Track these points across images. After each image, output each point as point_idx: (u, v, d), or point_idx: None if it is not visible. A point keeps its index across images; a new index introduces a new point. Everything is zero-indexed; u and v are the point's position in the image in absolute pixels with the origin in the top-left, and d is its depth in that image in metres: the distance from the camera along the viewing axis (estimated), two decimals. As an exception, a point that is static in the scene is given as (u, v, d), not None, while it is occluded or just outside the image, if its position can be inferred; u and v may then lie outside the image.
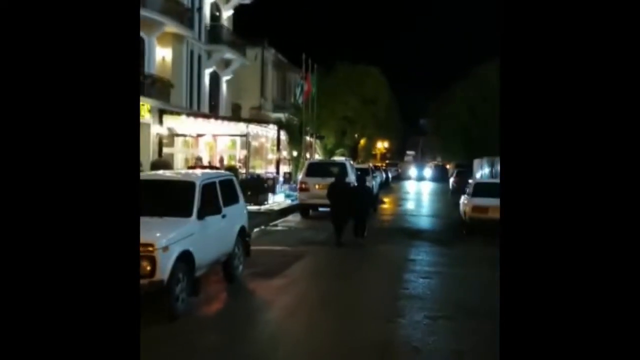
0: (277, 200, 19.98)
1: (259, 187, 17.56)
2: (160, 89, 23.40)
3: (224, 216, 7.62)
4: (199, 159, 25.09)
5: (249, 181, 17.51)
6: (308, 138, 29.95)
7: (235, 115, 29.37)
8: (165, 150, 24.25)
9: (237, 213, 8.50)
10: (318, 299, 7.60)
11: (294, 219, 17.20)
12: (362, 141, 49.96)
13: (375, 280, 8.95)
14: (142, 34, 22.25)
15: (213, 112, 27.96)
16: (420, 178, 51.96)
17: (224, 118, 24.70)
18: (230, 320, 6.50)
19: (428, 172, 53.97)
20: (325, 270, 9.82)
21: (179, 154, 25.36)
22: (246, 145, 22.96)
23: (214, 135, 24.28)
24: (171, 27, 23.71)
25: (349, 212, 12.29)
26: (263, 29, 44.06)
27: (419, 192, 34.90)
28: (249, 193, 17.32)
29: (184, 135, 24.83)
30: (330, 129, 38.56)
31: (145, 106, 21.92)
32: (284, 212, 17.91)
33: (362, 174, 18.92)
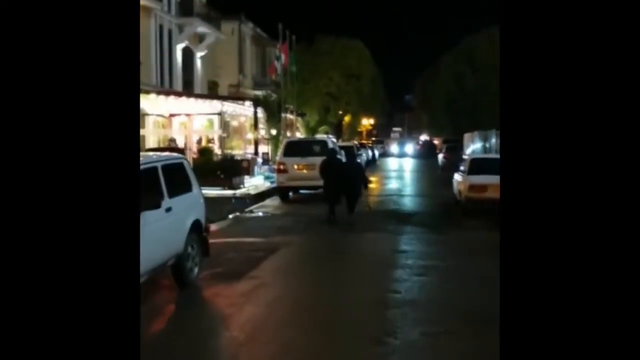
0: (256, 182, 18.46)
1: (233, 170, 15.99)
2: (126, 65, 21.58)
3: (168, 210, 6.10)
4: (172, 140, 23.43)
5: (221, 163, 15.91)
6: (289, 116, 28.34)
7: (212, 93, 27.54)
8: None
9: (189, 204, 6.98)
10: (289, 310, 6.12)
11: (271, 203, 15.70)
12: (347, 118, 48.35)
13: (360, 280, 7.48)
14: (102, 5, 20.32)
15: (186, 90, 26.17)
16: (405, 155, 50.62)
17: (197, 96, 22.95)
18: (171, 345, 5.02)
19: (413, 148, 52.64)
20: (301, 269, 8.35)
21: (151, 136, 23.65)
22: (221, 124, 21.30)
23: (187, 115, 22.56)
24: (136, -2, 21.81)
25: (343, 188, 11.95)
26: (239, 1, 42.01)
27: (406, 169, 33.47)
28: (222, 176, 15.82)
29: (155, 115, 23.10)
30: (313, 106, 36.88)
31: (109, 84, 20.12)
32: (262, 196, 16.39)
33: (348, 152, 17.46)
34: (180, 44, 26.46)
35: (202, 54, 28.94)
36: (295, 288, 7.12)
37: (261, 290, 6.76)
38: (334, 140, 19.51)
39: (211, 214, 12.83)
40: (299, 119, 30.94)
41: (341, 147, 19.02)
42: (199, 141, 25.58)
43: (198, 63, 28.80)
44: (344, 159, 14.08)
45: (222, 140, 21.03)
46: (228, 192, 15.76)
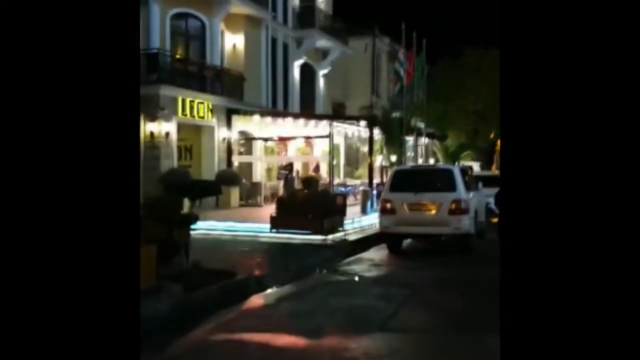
0: (367, 222, 14.28)
1: (324, 208, 12.05)
2: (229, 83, 18.90)
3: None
4: (283, 167, 20.29)
5: (308, 199, 12.05)
6: (424, 140, 23.85)
7: (309, 112, 23.95)
8: (241, 158, 19.68)
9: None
10: None
11: (375, 254, 11.42)
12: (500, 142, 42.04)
13: None
14: (200, 15, 17.90)
15: (306, 113, 22.99)
16: None
17: (296, 115, 19.61)
18: None
19: None
20: None
21: (258, 162, 20.71)
22: (330, 148, 17.62)
23: (280, 138, 19.27)
24: (241, 7, 19.17)
25: None
26: (374, 16, 38.65)
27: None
28: (309, 216, 11.96)
29: (263, 139, 20.15)
30: (459, 128, 31.72)
31: (205, 104, 17.47)
32: (363, 243, 12.16)
33: (489, 184, 12.75)
34: (298, 60, 23.50)
35: (325, 71, 25.73)
36: None
37: None
38: (469, 167, 14.62)
39: (277, 269, 9.10)
40: (436, 142, 26.23)
41: (486, 178, 14.19)
42: (316, 169, 22.21)
43: (320, 82, 25.62)
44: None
45: (331, 167, 17.34)
46: (317, 238, 11.84)
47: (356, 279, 9.13)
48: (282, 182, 19.84)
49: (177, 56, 17.67)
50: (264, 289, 8.15)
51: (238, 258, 9.84)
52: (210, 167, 18.07)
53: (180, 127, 17.69)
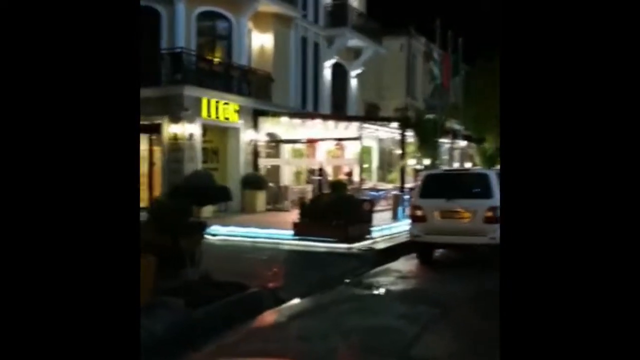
0: (397, 229, 13.42)
1: (350, 214, 11.28)
2: (257, 84, 18.34)
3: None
4: (312, 171, 19.61)
5: (332, 205, 11.30)
6: (461, 143, 22.82)
7: (341, 114, 23.14)
8: (267, 161, 19.09)
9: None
10: None
11: (404, 265, 10.58)
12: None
13: None
14: (227, 13, 17.39)
15: (335, 114, 22.27)
16: None
17: (324, 117, 18.87)
18: None
19: None
20: None
21: (286, 166, 20.08)
22: (360, 151, 16.83)
23: (309, 140, 18.57)
24: (270, 6, 18.59)
25: None
26: (410, 15, 37.63)
27: None
28: (333, 223, 11.23)
29: (291, 142, 19.52)
30: (498, 131, 30.51)
31: (231, 105, 16.93)
32: (392, 252, 11.33)
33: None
34: (329, 59, 22.78)
35: (358, 71, 24.94)
36: None
37: None
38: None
39: (295, 281, 8.39)
40: (473, 145, 25.12)
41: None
42: (349, 173, 21.44)
43: (352, 82, 24.84)
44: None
45: (360, 171, 16.54)
46: (342, 246, 11.07)
47: (380, 292, 8.34)
48: (311, 187, 19.16)
49: (203, 56, 17.18)
50: (279, 304, 7.45)
51: (254, 268, 9.16)
52: (236, 170, 17.53)
53: (207, 129, 17.21)
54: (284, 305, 7.40)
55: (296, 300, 7.64)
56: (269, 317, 6.92)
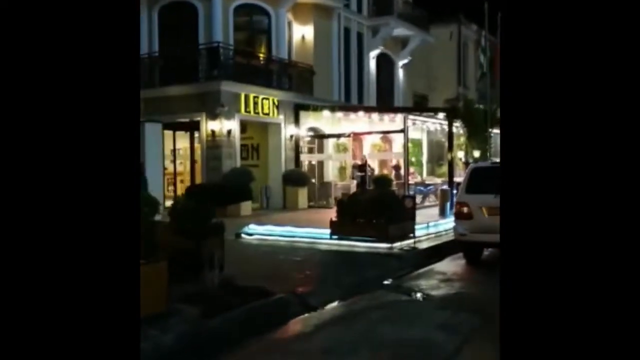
0: (443, 228, 12.59)
1: (392, 211, 10.55)
2: (297, 78, 17.81)
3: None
4: (355, 166, 18.92)
5: (371, 202, 10.61)
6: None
7: (384, 105, 22.20)
8: (310, 157, 18.55)
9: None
10: None
11: (447, 267, 9.76)
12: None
13: None
14: (265, 5, 16.93)
15: (378, 107, 21.47)
16: None
17: (367, 109, 18.10)
18: None
19: None
20: None
21: (330, 161, 19.47)
22: (405, 144, 16.02)
23: (354, 134, 17.84)
24: (309, -4, 18.03)
25: None
26: (459, 1, 36.11)
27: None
28: (373, 221, 10.55)
29: (333, 136, 18.90)
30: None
31: (271, 100, 16.47)
32: (436, 252, 10.53)
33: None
34: (374, 50, 21.99)
35: (405, 61, 24.02)
36: None
37: None
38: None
39: (328, 284, 7.83)
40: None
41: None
42: (396, 167, 20.63)
43: (399, 73, 23.95)
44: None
45: (404, 164, 15.73)
46: (383, 246, 10.38)
47: (419, 298, 7.62)
48: (355, 183, 18.45)
49: (241, 50, 16.79)
50: (307, 310, 6.87)
51: (285, 270, 8.61)
52: (277, 167, 17.08)
53: (247, 125, 16.83)
54: (313, 313, 6.81)
55: (326, 307, 7.04)
56: (294, 326, 6.34)
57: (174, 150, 18.15)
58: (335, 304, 7.19)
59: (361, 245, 10.46)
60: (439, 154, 23.83)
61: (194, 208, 6.29)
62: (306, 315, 6.70)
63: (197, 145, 16.76)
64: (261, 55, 17.30)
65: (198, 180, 16.47)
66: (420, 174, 21.83)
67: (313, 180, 17.78)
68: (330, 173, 19.18)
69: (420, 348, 5.43)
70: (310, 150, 18.89)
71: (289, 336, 6.00)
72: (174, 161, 18.19)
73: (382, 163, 21.48)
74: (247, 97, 15.75)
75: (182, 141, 18.44)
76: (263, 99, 16.21)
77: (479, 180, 9.55)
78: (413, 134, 20.56)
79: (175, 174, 18.27)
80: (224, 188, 6.90)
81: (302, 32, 18.80)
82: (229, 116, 15.27)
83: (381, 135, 20.28)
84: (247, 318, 6.18)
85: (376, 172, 19.67)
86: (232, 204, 6.40)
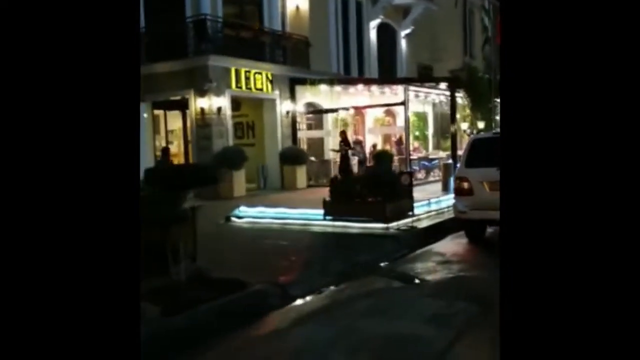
0: (446, 204, 11.81)
1: (389, 189, 9.82)
2: (292, 50, 16.97)
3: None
4: (358, 142, 18.15)
5: (366, 180, 9.88)
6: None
7: (385, 76, 21.23)
8: (309, 134, 17.79)
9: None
10: None
11: (447, 247, 9.04)
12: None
13: None
14: (255, -26, 16.03)
15: (378, 78, 20.58)
16: None
17: (366, 81, 17.23)
18: None
19: None
20: None
21: (329, 138, 18.72)
22: (405, 116, 15.19)
23: (354, 108, 17.02)
24: (302, -37, 17.08)
25: None
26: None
27: None
28: (369, 199, 9.85)
29: (331, 111, 18.10)
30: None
31: (264, 74, 15.68)
32: (437, 231, 9.79)
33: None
34: (374, 19, 21.02)
35: (407, 31, 23.01)
36: None
37: None
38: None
39: (314, 271, 7.22)
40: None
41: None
42: (399, 142, 19.84)
43: (402, 43, 22.96)
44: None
45: (404, 139, 14.93)
46: (379, 226, 9.67)
47: (412, 283, 6.94)
48: (356, 159, 17.56)
49: (230, 22, 15.94)
50: (288, 302, 6.22)
51: (269, 257, 7.96)
52: (274, 145, 16.37)
53: (240, 102, 16.08)
54: (293, 305, 6.16)
55: (309, 298, 6.39)
56: (267, 322, 5.68)
57: (166, 131, 17.48)
58: (319, 294, 6.53)
59: (356, 227, 9.77)
60: (445, 127, 22.91)
61: (152, 194, 5.62)
62: (285, 308, 6.06)
63: (189, 124, 16.08)
64: (252, 27, 16.45)
65: (193, 160, 15.82)
66: (426, 148, 21.03)
67: (312, 158, 17.06)
68: (330, 150, 18.44)
69: (406, 344, 4.77)
70: (310, 127, 18.12)
71: (259, 335, 5.34)
72: (166, 142, 17.53)
73: (387, 138, 20.68)
74: (238, 72, 14.97)
75: (176, 121, 17.76)
76: (255, 73, 15.42)
77: (480, 152, 8.78)
78: (417, 107, 19.72)
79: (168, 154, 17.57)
80: (182, 171, 6.20)
81: (297, 2, 17.89)
82: (218, 92, 14.52)
83: (385, 108, 19.46)
84: (216, 314, 5.54)
85: (379, 147, 18.90)
86: (193, 188, 5.76)
